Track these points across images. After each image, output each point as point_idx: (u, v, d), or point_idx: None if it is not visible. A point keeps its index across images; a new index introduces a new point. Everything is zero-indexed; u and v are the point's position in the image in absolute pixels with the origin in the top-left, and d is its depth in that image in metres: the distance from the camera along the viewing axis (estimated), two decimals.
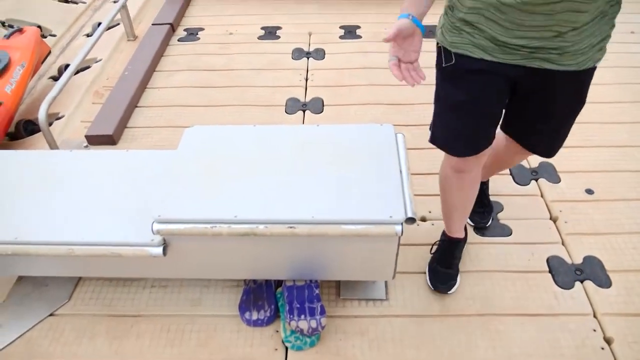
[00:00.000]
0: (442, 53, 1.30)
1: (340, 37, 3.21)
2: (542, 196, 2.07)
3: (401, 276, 1.76)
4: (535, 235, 1.90)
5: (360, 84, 2.76)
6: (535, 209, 2.02)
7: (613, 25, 1.18)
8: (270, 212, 1.40)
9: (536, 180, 2.13)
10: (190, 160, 1.58)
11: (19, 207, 1.59)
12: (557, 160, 2.07)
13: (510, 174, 2.16)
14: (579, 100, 1.34)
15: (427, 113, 2.43)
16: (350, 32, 3.24)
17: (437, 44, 1.32)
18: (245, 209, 1.41)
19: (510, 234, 1.91)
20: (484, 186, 1.93)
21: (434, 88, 1.40)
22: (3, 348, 1.62)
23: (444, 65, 1.29)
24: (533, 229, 1.93)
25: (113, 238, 1.48)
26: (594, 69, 1.25)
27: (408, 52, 1.21)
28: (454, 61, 1.26)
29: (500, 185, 2.11)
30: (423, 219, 1.99)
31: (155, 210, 1.42)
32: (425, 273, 1.76)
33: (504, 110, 1.40)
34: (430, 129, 1.50)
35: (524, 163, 2.21)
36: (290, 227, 1.38)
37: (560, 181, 2.12)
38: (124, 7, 3.23)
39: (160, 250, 1.46)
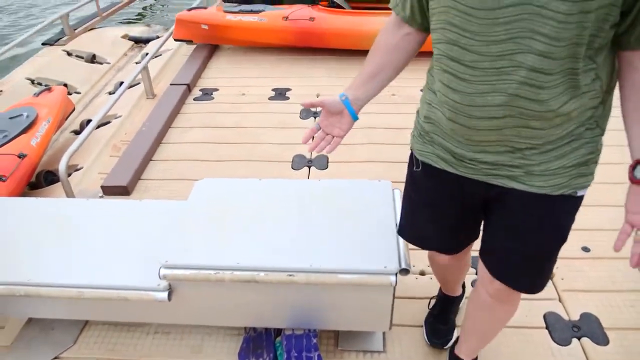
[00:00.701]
0: (412, 157, 1.27)
1: None
2: None
3: (399, 329, 1.79)
4: None
5: (363, 142, 2.90)
6: None
7: (596, 151, 1.05)
8: (270, 261, 1.48)
9: None
10: (199, 211, 1.68)
11: (35, 250, 1.68)
12: None
13: None
14: (556, 233, 1.13)
15: None
16: None
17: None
18: (247, 257, 1.48)
19: None
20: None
21: None
22: None
23: (414, 169, 1.27)
24: None
25: (121, 282, 1.55)
26: (576, 197, 1.08)
27: (333, 126, 1.20)
28: (420, 168, 1.23)
29: None
30: (422, 273, 2.03)
31: (162, 256, 1.50)
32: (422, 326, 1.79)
33: (471, 225, 1.31)
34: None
35: None
36: (290, 275, 1.45)
37: None
38: (145, 68, 3.47)
39: (165, 295, 1.53)
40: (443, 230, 1.31)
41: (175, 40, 4.23)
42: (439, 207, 1.25)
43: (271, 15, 4.00)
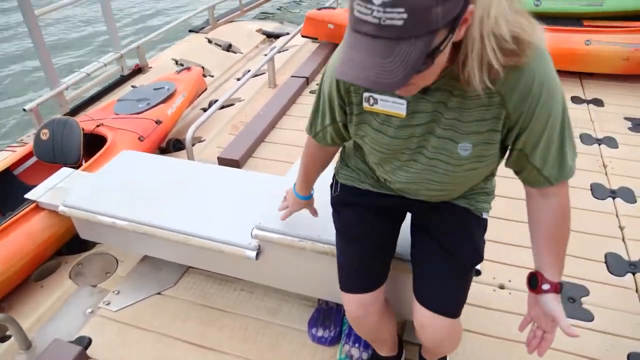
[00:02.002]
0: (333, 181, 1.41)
1: None
2: (637, 291, 1.97)
3: (467, 334, 1.80)
4: (619, 328, 1.82)
5: None
6: (625, 301, 1.93)
7: (488, 190, 1.25)
8: None
9: (633, 273, 2.04)
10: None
11: (158, 198, 1.98)
12: None
13: (605, 262, 2.10)
14: (468, 245, 1.23)
15: None
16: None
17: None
18: (328, 232, 1.62)
19: (592, 320, 1.85)
20: None
21: None
22: (117, 310, 1.98)
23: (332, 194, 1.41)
24: (618, 321, 1.85)
25: (220, 236, 1.77)
26: (481, 218, 1.25)
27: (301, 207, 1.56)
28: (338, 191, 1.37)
29: (592, 271, 2.05)
30: (501, 287, 2.01)
31: (257, 219, 1.69)
32: None
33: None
34: None
35: (622, 254, 2.13)
36: None
37: None
38: (271, 60, 3.78)
39: (254, 254, 1.72)
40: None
41: (303, 36, 4.52)
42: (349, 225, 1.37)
43: None
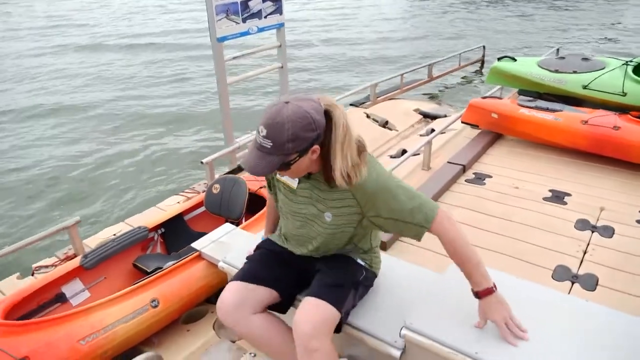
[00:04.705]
0: None
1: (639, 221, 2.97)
2: None
3: None
4: None
5: None
6: None
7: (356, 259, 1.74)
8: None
9: None
10: (453, 289, 1.73)
11: None
12: None
13: None
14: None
15: None
16: None
17: None
18: (487, 351, 1.46)
19: None
20: None
21: None
22: None
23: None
24: None
25: (364, 324, 1.71)
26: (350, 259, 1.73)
27: None
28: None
29: None
30: None
31: (408, 317, 1.60)
32: None
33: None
34: None
35: None
36: None
37: None
38: (429, 142, 3.78)
39: (398, 353, 1.62)
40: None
41: (462, 122, 4.47)
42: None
43: (568, 116, 3.85)
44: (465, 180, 3.61)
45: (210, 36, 3.52)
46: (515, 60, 4.74)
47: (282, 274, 1.74)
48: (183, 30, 13.78)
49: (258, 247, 1.87)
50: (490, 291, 1.48)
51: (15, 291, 2.27)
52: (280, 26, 3.98)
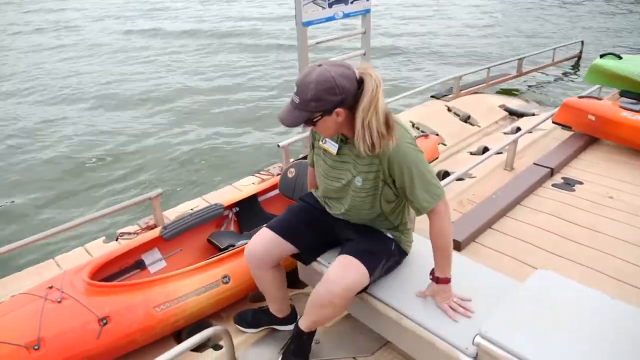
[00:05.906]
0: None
1: None
2: None
3: None
4: None
5: None
6: None
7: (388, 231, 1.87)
8: None
9: None
10: (532, 299, 1.62)
11: None
12: None
13: None
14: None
15: None
16: None
17: None
18: None
19: None
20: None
21: None
22: None
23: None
24: None
25: (437, 329, 1.64)
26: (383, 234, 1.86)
27: None
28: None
29: None
30: None
31: (484, 325, 1.51)
32: None
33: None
34: None
35: None
36: None
37: None
38: (514, 141, 3.56)
39: None
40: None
41: (554, 123, 4.16)
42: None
43: None
44: (552, 185, 3.36)
45: (295, 21, 3.52)
46: (621, 58, 4.33)
47: (310, 235, 1.95)
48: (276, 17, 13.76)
49: (301, 199, 2.05)
50: (447, 280, 1.71)
51: (101, 255, 2.42)
52: (366, 12, 3.89)
